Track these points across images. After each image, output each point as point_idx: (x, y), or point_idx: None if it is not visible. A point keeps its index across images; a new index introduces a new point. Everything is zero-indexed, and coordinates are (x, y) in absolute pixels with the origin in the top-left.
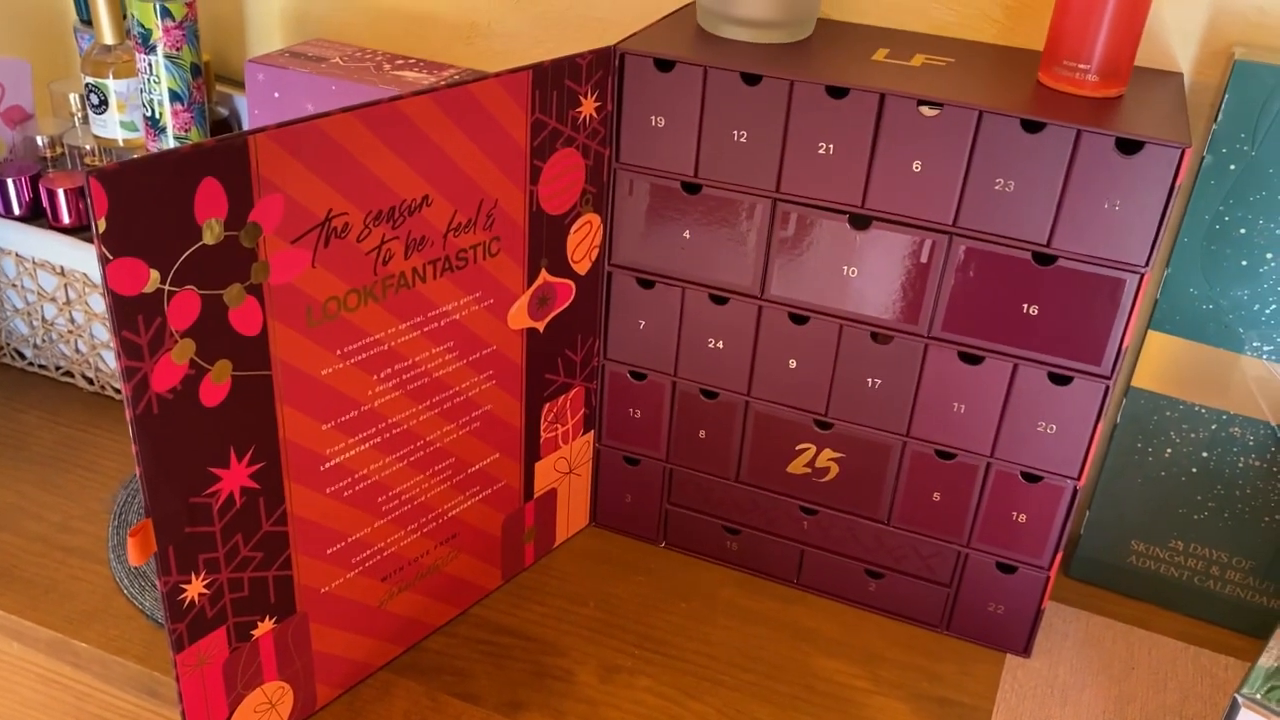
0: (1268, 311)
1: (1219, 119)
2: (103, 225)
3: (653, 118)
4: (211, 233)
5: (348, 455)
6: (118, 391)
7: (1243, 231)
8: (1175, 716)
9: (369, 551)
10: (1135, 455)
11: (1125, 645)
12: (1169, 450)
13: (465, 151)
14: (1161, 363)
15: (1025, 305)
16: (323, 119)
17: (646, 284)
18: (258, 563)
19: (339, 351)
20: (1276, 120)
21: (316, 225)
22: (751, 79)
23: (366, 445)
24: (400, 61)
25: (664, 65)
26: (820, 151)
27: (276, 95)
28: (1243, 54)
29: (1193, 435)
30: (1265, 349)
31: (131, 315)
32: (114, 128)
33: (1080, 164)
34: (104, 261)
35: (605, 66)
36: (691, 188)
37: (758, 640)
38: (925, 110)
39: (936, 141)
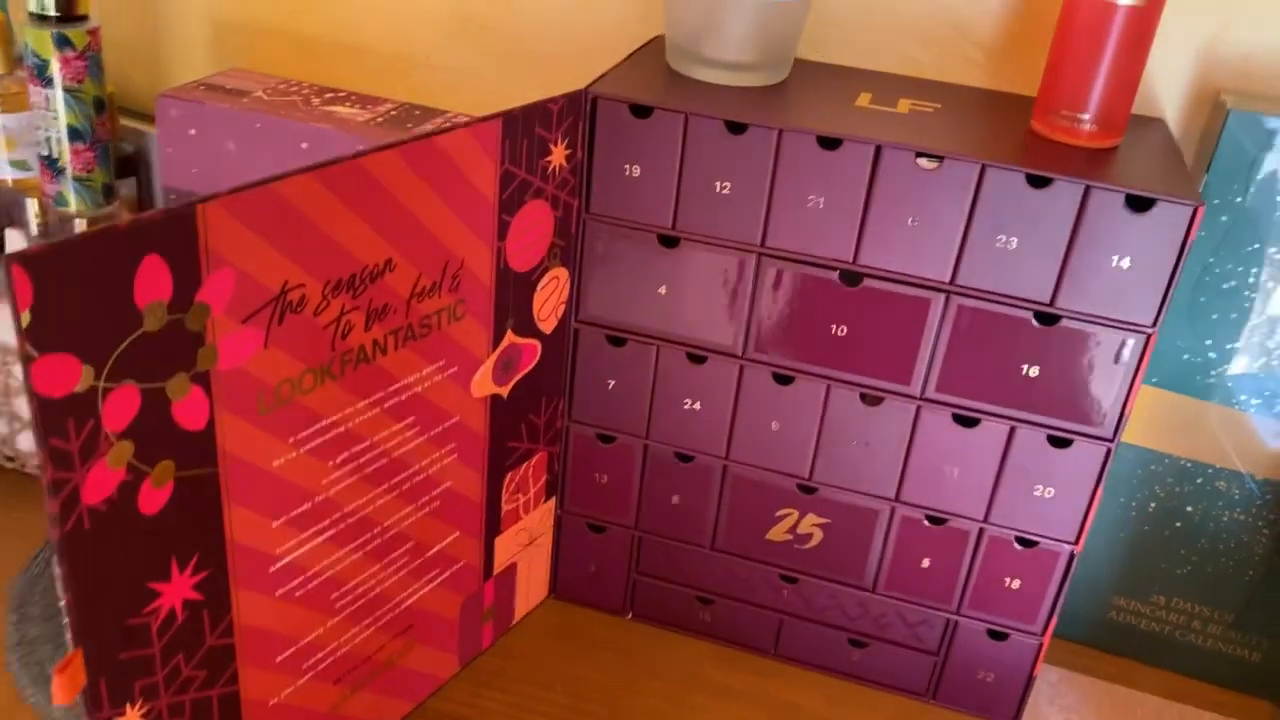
0: (1256, 365)
1: (1210, 169)
2: (27, 319)
3: (627, 166)
4: (154, 318)
5: (300, 552)
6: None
7: (1232, 284)
8: None
9: (321, 654)
10: (1118, 510)
11: (1112, 706)
12: (1153, 505)
13: (432, 209)
14: (1147, 416)
15: (1025, 366)
16: (279, 182)
17: (617, 341)
18: (200, 682)
19: (292, 439)
20: (1269, 171)
21: (270, 300)
22: (737, 127)
23: (320, 539)
24: (330, 95)
25: (640, 111)
26: (809, 204)
27: (192, 132)
28: (1235, 103)
29: (1177, 489)
30: (1252, 403)
31: (60, 419)
32: (3, 167)
33: (1088, 220)
34: (28, 360)
35: (576, 112)
36: (669, 240)
37: None
38: (924, 163)
39: (935, 195)
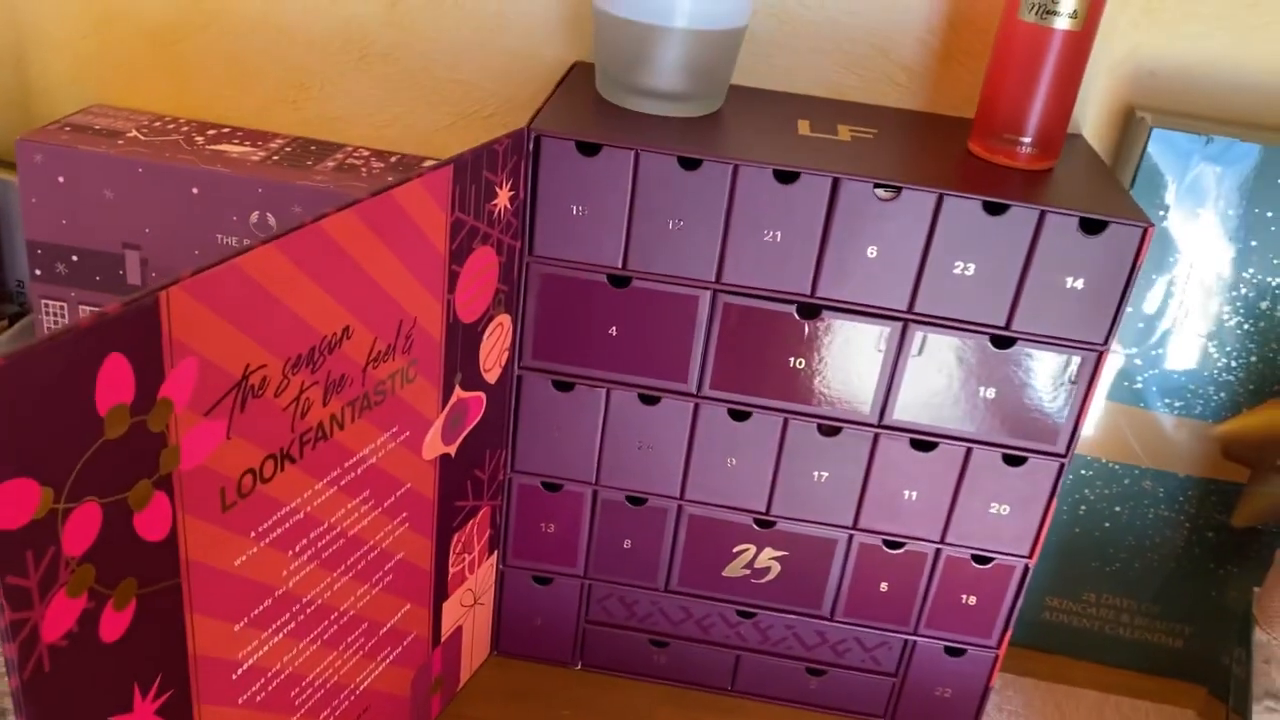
0: (1178, 371)
1: (1133, 186)
2: None
3: (573, 206)
4: (116, 423)
5: (260, 654)
6: None
7: (1153, 294)
8: None
9: None
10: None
11: (1056, 707)
12: (1083, 508)
13: (387, 268)
14: None
15: (981, 389)
16: (240, 257)
17: (564, 386)
18: None
19: (253, 533)
20: (1190, 186)
21: (233, 387)
22: (690, 163)
23: (280, 635)
24: (213, 131)
25: (587, 148)
26: (766, 238)
27: (61, 180)
28: (1155, 121)
29: (1106, 491)
30: (1176, 404)
31: (18, 553)
32: None
33: (1042, 244)
34: None
35: (520, 151)
36: (619, 280)
37: None
38: (881, 193)
39: (893, 225)
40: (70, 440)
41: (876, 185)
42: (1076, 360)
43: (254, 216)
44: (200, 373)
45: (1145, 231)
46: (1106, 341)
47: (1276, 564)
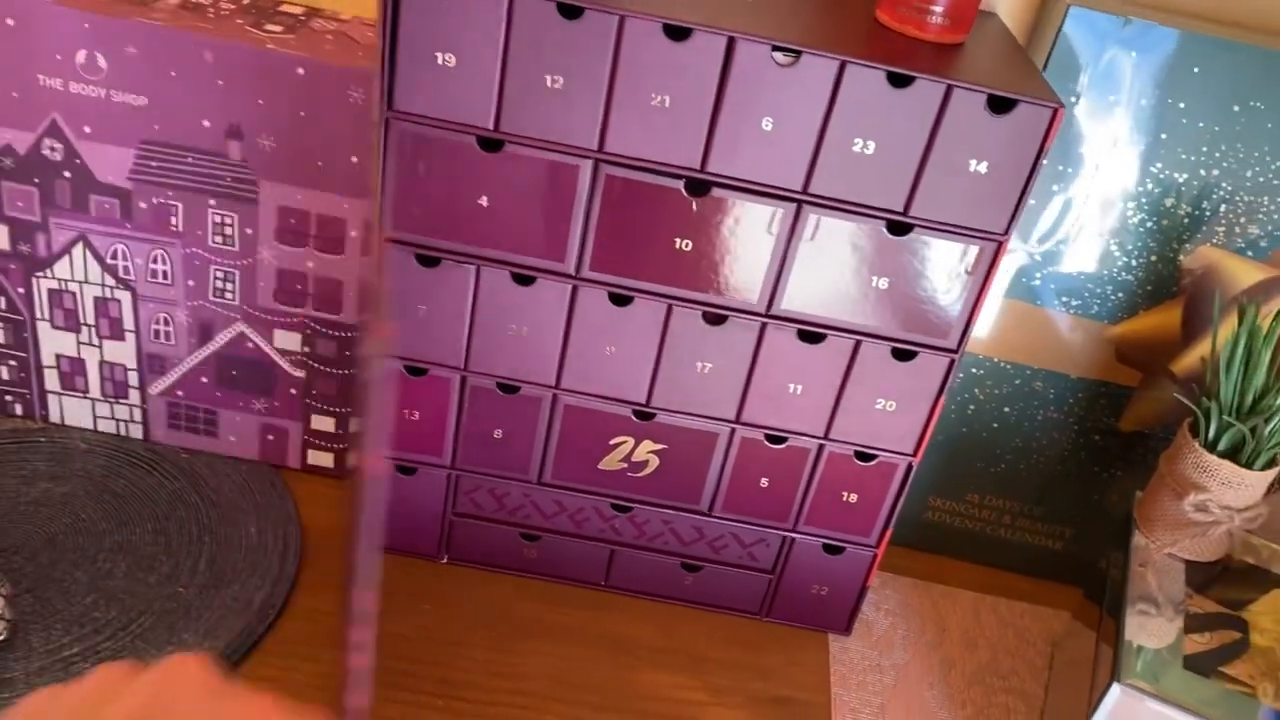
0: (1077, 267)
1: (1047, 67)
2: None
3: (438, 55)
4: None
5: None
6: None
7: (1059, 186)
8: (991, 674)
9: None
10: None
11: (932, 607)
12: (972, 407)
13: None
14: None
15: (874, 278)
16: None
17: (429, 261)
18: None
19: None
20: (1104, 70)
21: None
22: (571, 10)
23: None
24: None
25: None
26: (654, 103)
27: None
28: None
29: (996, 391)
30: (1073, 303)
31: None
32: None
33: (947, 122)
34: None
35: None
36: (491, 144)
37: (576, 663)
38: (779, 58)
39: (790, 94)
40: None
41: (775, 48)
42: (974, 250)
43: (80, 56)
44: None
45: (1055, 113)
46: (1007, 231)
47: (1160, 470)
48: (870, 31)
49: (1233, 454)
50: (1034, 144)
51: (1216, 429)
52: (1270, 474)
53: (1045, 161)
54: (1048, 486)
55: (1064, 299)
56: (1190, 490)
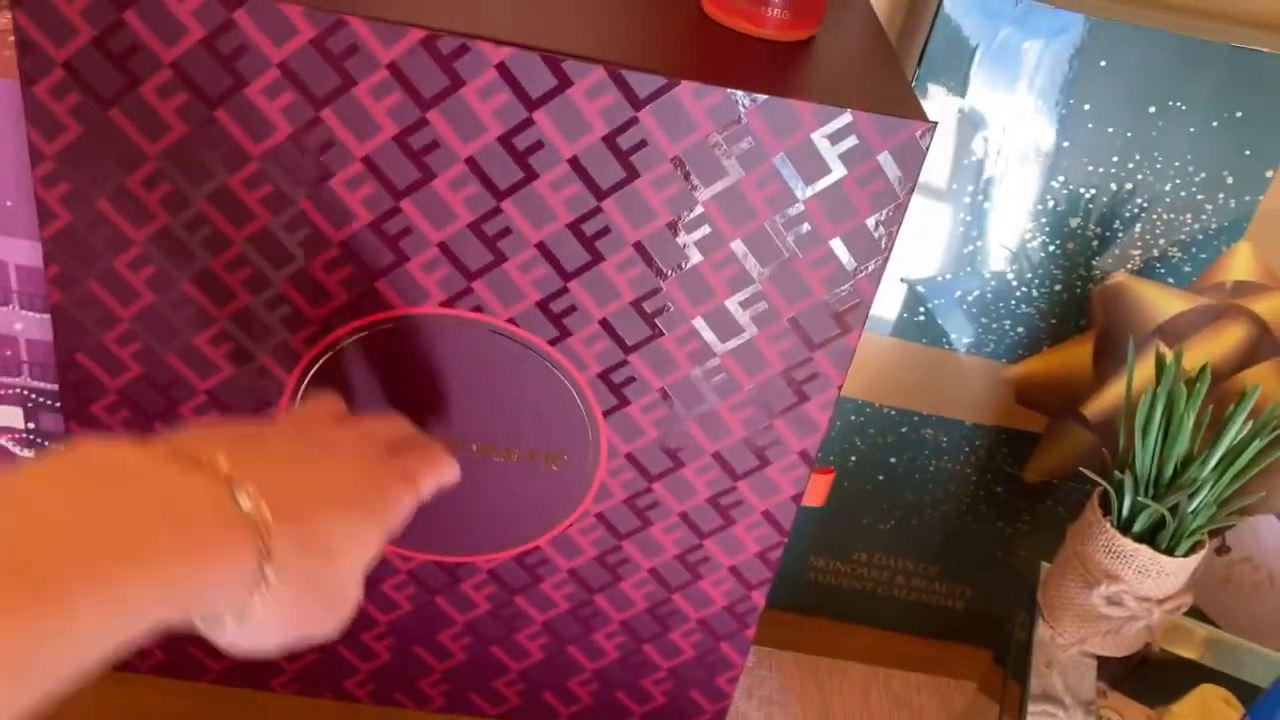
0: (970, 299)
1: (922, 62)
2: None
3: None
4: None
5: None
6: None
7: (945, 205)
8: None
9: None
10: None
11: (817, 689)
12: (854, 458)
13: None
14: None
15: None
16: None
17: None
18: None
19: None
20: (994, 64)
21: None
22: None
23: None
24: None
25: None
26: None
27: None
28: None
29: (880, 440)
30: (965, 340)
31: None
32: None
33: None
34: None
35: None
36: None
37: None
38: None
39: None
40: None
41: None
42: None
43: None
44: None
45: (925, 132)
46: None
47: (1067, 548)
48: (695, 31)
49: (1151, 534)
50: (904, 170)
51: (1131, 507)
52: (1195, 560)
53: (915, 187)
54: (945, 543)
55: (955, 336)
56: (1101, 579)
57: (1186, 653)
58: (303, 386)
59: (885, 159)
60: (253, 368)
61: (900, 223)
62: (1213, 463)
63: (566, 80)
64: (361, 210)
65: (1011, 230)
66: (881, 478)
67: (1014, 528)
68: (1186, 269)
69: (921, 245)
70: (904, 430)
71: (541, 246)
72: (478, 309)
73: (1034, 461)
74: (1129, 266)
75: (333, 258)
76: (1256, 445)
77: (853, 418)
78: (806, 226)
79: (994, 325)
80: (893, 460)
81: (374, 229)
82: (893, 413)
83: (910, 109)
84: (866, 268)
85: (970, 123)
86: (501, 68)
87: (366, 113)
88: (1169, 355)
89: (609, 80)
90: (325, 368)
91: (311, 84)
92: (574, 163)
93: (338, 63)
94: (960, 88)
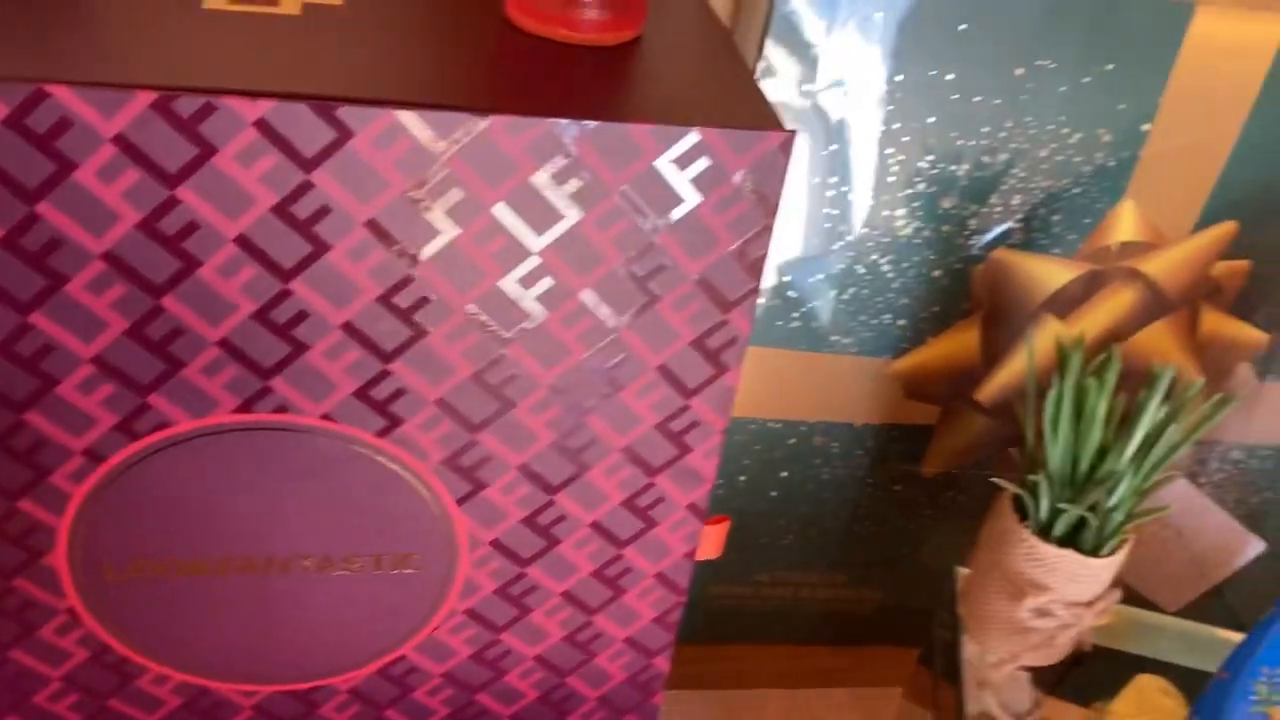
0: (845, 296)
1: (762, 52)
2: None
3: None
4: None
5: None
6: None
7: (802, 203)
8: None
9: None
10: None
11: None
12: (743, 478)
13: None
14: None
15: None
16: None
17: None
18: None
19: None
20: (845, 36)
21: None
22: None
23: None
24: None
25: None
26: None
27: None
28: None
29: (768, 456)
30: (843, 341)
31: None
32: None
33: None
34: None
35: None
36: None
37: None
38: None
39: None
40: None
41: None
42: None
43: None
44: None
45: (784, 141)
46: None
47: (982, 556)
48: (499, 44)
49: (1072, 536)
50: (765, 186)
51: (1050, 511)
52: (1120, 557)
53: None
54: (849, 549)
55: (832, 338)
56: (1027, 591)
57: (1117, 644)
58: (80, 529)
59: (743, 178)
60: (13, 520)
61: (767, 247)
62: (1129, 452)
63: (347, 131)
64: (114, 317)
65: (879, 219)
66: (775, 494)
67: (917, 523)
68: (1071, 236)
69: (786, 249)
70: (792, 442)
71: (348, 327)
72: (281, 409)
73: (930, 454)
74: (1011, 243)
75: (87, 376)
76: (1173, 431)
77: (737, 437)
78: (664, 264)
79: (873, 321)
80: (784, 474)
81: (133, 336)
82: (779, 425)
83: (764, 118)
84: (737, 300)
85: (824, 109)
86: (262, 125)
87: (98, 200)
88: (1070, 344)
89: (400, 125)
90: (107, 503)
91: (20, 176)
92: (372, 225)
93: (46, 145)
94: (810, 72)
